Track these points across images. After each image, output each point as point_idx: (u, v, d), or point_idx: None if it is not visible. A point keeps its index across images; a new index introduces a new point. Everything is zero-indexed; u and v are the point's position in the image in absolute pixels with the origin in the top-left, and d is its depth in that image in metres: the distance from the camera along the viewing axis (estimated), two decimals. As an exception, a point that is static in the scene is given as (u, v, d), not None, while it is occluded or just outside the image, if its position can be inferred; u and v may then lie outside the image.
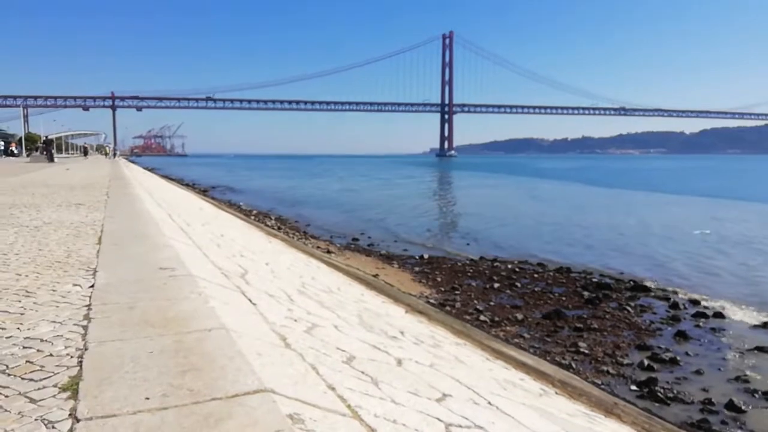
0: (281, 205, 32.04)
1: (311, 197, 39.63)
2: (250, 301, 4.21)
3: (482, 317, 9.50)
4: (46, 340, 2.89)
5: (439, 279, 12.72)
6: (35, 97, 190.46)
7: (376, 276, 11.88)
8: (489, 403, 3.33)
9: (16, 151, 74.37)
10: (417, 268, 13.97)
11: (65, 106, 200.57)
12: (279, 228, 20.02)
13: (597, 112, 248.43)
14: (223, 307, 3.62)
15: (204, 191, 38.18)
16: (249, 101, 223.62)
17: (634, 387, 6.88)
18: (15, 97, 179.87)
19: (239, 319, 3.44)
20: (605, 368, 7.45)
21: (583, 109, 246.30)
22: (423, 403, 2.83)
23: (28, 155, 68.27)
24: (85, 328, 3.07)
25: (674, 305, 10.79)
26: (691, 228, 22.80)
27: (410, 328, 5.69)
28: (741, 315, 10.36)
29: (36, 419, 2.03)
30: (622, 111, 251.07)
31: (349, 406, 2.39)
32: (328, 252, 15.24)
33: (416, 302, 9.05)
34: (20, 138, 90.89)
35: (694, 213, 29.04)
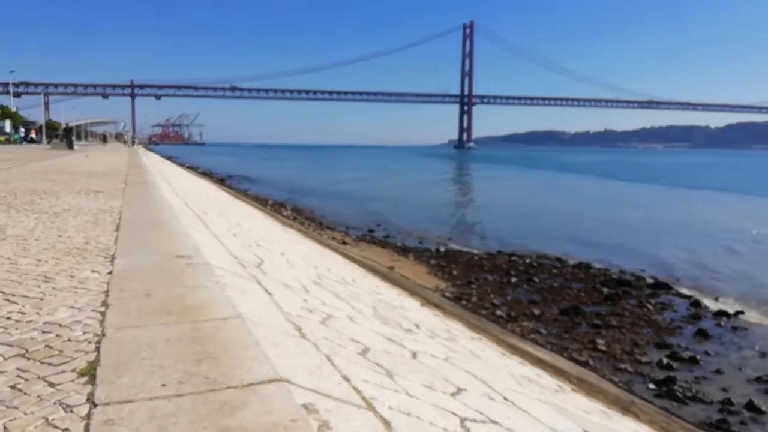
0: (297, 195, 32.10)
1: (327, 188, 39.67)
2: (266, 290, 4.21)
3: (498, 312, 9.44)
4: (64, 326, 2.91)
5: (455, 272, 12.66)
6: (56, 85, 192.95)
7: (391, 268, 11.85)
8: (504, 398, 3.30)
9: (36, 138, 75.62)
10: (433, 261, 13.93)
11: (85, 94, 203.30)
12: (295, 218, 20.09)
13: (620, 104, 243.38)
14: (239, 296, 3.62)
15: (221, 180, 38.39)
16: (266, 90, 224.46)
17: (652, 385, 6.79)
18: (36, 85, 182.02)
19: (255, 309, 3.44)
20: (623, 366, 7.36)
21: (606, 101, 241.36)
22: (438, 396, 2.81)
23: (48, 142, 69.22)
24: (102, 314, 3.09)
25: (695, 303, 10.63)
26: (714, 225, 22.45)
27: (425, 321, 5.67)
28: (763, 314, 10.17)
29: (54, 403, 2.05)
30: (647, 104, 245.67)
31: (363, 398, 2.37)
32: (344, 243, 15.26)
33: (432, 295, 9.02)
34: (41, 125, 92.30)
35: (718, 210, 28.54)
